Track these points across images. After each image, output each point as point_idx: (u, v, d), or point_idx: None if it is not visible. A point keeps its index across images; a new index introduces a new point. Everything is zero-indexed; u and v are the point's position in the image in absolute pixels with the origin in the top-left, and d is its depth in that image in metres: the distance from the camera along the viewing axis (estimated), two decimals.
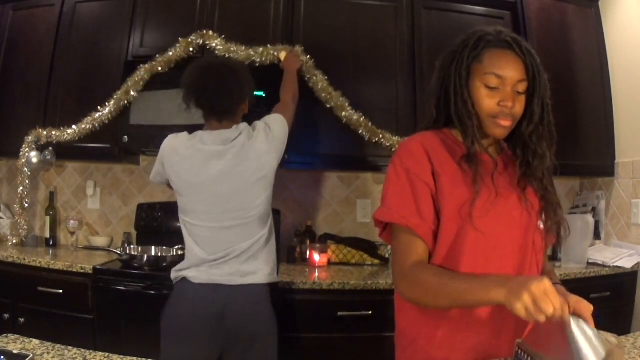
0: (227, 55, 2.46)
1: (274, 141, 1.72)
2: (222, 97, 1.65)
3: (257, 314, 1.63)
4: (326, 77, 2.48)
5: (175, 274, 1.70)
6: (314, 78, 2.47)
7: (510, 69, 1.05)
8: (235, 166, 1.63)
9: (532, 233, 1.11)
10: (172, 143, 1.70)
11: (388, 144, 2.49)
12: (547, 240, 1.16)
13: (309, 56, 2.48)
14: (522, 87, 1.06)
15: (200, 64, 1.74)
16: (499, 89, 1.06)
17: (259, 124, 1.75)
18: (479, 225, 1.04)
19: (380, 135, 2.49)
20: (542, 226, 1.13)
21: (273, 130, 1.73)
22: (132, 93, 2.45)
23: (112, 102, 2.48)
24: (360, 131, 2.48)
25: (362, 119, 2.49)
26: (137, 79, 2.45)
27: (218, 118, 1.70)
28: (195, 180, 1.64)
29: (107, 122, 2.50)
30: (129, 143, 2.47)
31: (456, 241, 1.05)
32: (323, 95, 2.47)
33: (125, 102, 2.47)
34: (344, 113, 2.47)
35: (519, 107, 1.07)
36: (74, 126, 2.55)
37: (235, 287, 1.62)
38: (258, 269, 1.67)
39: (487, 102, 1.06)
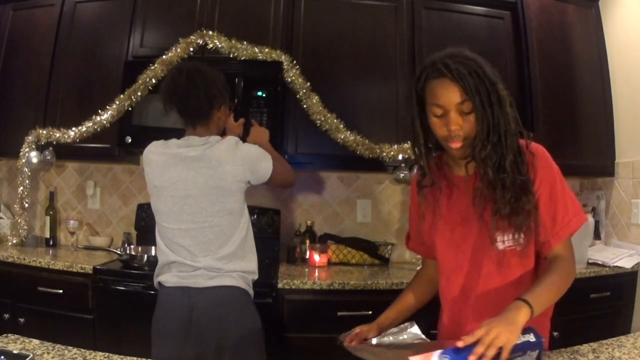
0: (231, 53, 2.47)
1: (238, 155, 1.65)
2: (190, 97, 1.67)
3: (224, 316, 1.60)
4: (321, 101, 2.50)
5: (154, 281, 1.73)
6: (308, 101, 2.48)
7: (445, 96, 1.09)
8: (190, 169, 1.65)
9: (480, 257, 1.19)
10: (147, 150, 1.76)
11: (388, 159, 2.50)
12: (522, 255, 1.16)
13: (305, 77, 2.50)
14: (466, 107, 1.09)
15: (174, 68, 1.77)
16: (445, 115, 1.11)
17: (232, 138, 1.72)
18: (438, 249, 1.29)
19: (378, 150, 2.49)
20: (501, 246, 1.15)
21: (243, 147, 1.68)
22: (133, 98, 2.46)
23: (114, 107, 2.49)
24: (358, 151, 2.49)
25: (359, 138, 2.49)
26: (140, 86, 2.46)
27: (192, 123, 1.72)
28: (158, 182, 1.69)
29: (108, 125, 2.51)
30: (131, 143, 2.47)
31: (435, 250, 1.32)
32: (318, 117, 2.48)
33: (128, 107, 2.48)
34: (340, 135, 2.48)
35: (467, 126, 1.11)
36: (74, 129, 2.55)
37: (201, 290, 1.61)
38: (225, 271, 1.64)
39: (438, 129, 1.14)
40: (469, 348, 0.89)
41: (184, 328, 1.59)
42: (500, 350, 0.88)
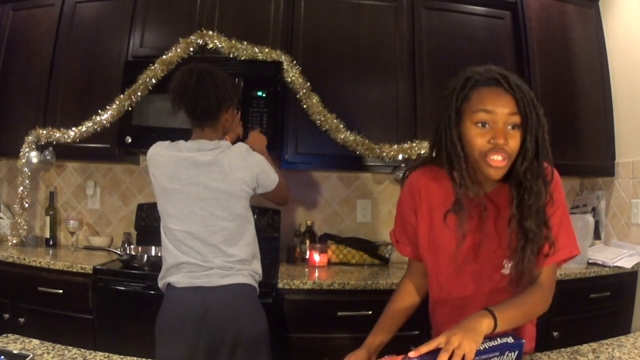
0: (231, 53, 2.48)
1: (249, 163, 1.69)
2: (200, 98, 1.67)
3: (238, 314, 1.63)
4: (321, 101, 2.49)
5: (160, 282, 1.73)
6: (308, 101, 2.48)
7: (498, 104, 1.02)
8: (202, 173, 1.66)
9: (485, 281, 1.17)
10: (153, 150, 1.75)
11: (388, 159, 2.50)
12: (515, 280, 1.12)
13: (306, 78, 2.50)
14: (514, 120, 1.02)
15: (183, 69, 1.77)
16: (490, 127, 1.03)
17: (243, 145, 1.75)
18: (434, 264, 1.25)
19: (378, 150, 2.49)
20: (507, 272, 1.13)
21: (254, 156, 1.72)
22: (133, 98, 2.46)
23: (114, 107, 2.49)
24: (358, 151, 2.49)
25: (359, 138, 2.49)
26: (140, 86, 2.45)
27: (200, 124, 1.73)
28: (167, 184, 1.69)
29: (108, 125, 2.51)
30: (132, 143, 2.47)
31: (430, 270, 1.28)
32: (318, 117, 2.48)
33: (128, 107, 2.48)
34: (340, 135, 2.48)
35: (512, 143, 1.02)
36: (74, 129, 2.55)
37: (215, 288, 1.63)
38: (237, 270, 1.67)
39: (478, 140, 1.03)
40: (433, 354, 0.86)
41: (196, 327, 1.60)
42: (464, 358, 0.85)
